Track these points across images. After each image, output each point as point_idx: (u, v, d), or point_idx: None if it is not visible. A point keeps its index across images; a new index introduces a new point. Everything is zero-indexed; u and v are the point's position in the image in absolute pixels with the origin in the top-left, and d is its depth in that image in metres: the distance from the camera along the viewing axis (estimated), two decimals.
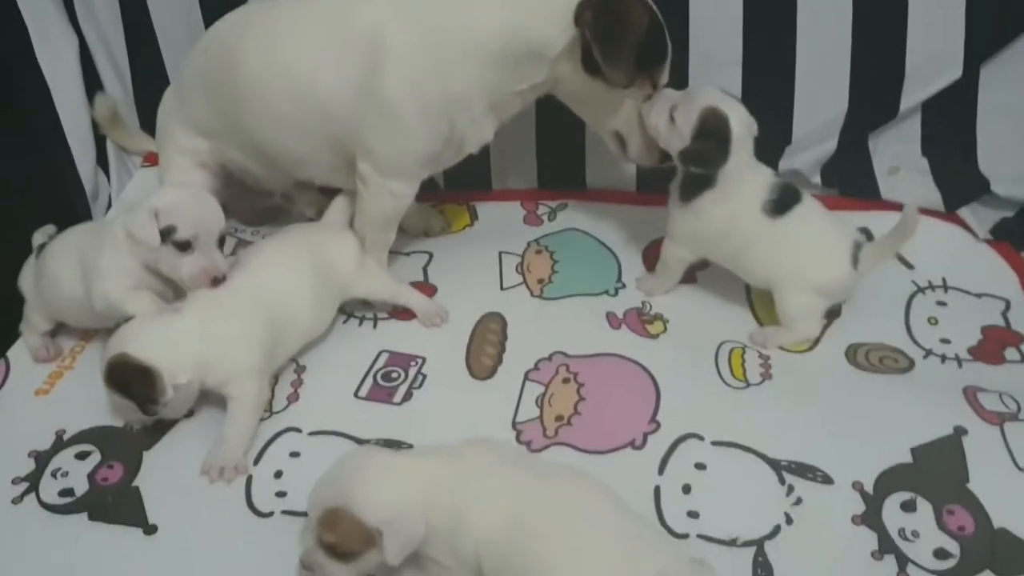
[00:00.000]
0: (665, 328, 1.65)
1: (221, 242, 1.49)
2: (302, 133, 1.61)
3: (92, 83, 2.00)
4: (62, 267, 1.56)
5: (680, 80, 1.72)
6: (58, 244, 1.61)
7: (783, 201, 1.55)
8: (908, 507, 1.30)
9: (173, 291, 1.53)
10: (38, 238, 1.68)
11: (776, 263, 1.56)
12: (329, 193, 1.86)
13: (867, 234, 1.67)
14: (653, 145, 1.59)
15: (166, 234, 1.42)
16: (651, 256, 1.78)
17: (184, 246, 1.44)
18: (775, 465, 1.37)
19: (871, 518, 1.29)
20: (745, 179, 1.54)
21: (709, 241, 1.60)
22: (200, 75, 1.69)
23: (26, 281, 1.65)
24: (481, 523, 1.12)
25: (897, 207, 1.84)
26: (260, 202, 1.92)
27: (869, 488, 1.33)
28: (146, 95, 2.04)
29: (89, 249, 1.51)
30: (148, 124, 2.03)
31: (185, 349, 1.41)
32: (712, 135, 1.49)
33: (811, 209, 1.58)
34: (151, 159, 2.09)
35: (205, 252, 1.46)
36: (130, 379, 1.37)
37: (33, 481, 1.42)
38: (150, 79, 2.03)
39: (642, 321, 1.66)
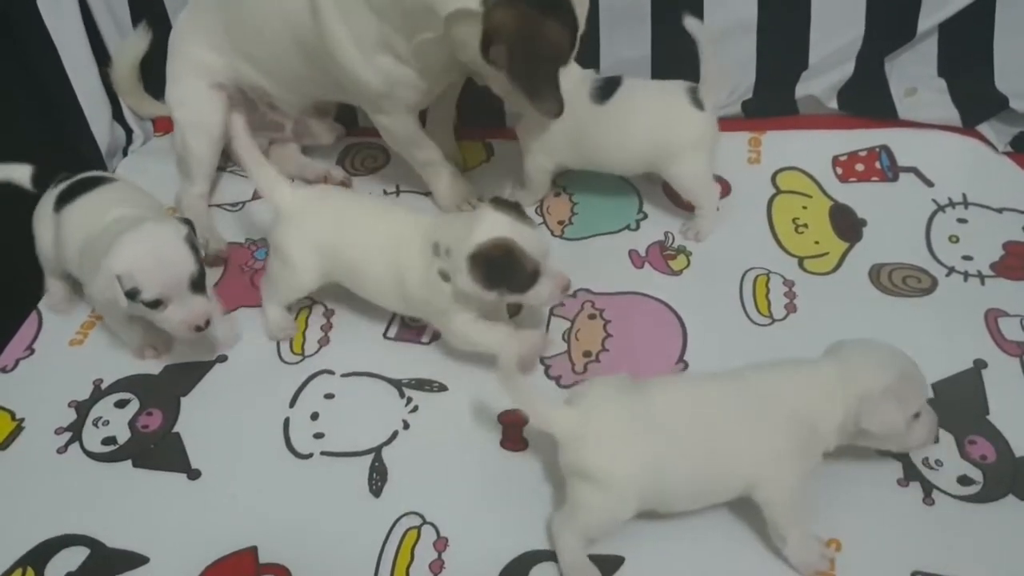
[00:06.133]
0: (688, 262, 1.64)
1: (196, 283, 1.40)
2: (295, 57, 1.63)
3: (96, 44, 1.98)
4: (72, 249, 1.51)
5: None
6: (72, 223, 1.52)
7: (607, 88, 1.59)
8: None
9: None
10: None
11: (636, 143, 1.60)
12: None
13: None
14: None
15: (133, 296, 1.35)
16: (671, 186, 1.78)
17: (155, 304, 1.38)
18: None
19: None
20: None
21: (560, 145, 1.64)
22: None
23: (41, 223, 1.59)
24: None
25: (914, 123, 1.85)
26: (270, 136, 1.90)
27: None
28: (150, 55, 1.95)
29: (89, 258, 1.44)
30: (152, 87, 2.00)
31: None
32: None
33: (634, 85, 1.62)
34: (161, 126, 2.08)
35: (180, 303, 1.39)
36: None
37: (76, 431, 1.45)
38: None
39: (665, 257, 1.66)
